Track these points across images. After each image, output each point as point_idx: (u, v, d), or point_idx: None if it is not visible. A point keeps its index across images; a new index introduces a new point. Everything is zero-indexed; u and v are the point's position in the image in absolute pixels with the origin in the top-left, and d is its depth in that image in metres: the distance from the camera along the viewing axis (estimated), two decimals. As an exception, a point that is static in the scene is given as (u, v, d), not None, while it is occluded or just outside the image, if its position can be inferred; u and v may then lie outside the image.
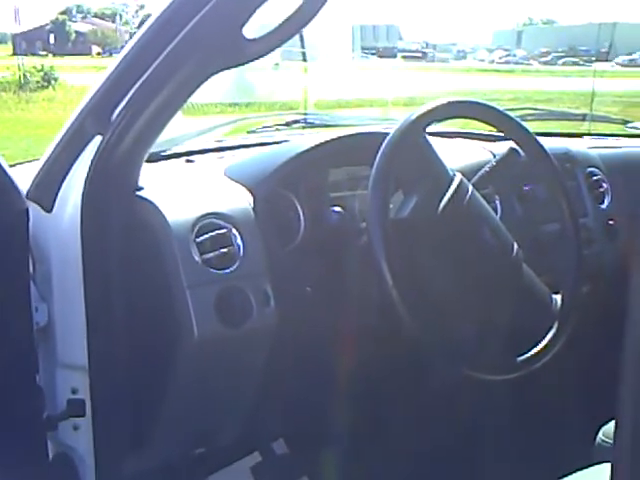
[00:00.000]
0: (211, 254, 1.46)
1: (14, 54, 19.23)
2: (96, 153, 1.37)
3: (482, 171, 1.62)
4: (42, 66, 15.63)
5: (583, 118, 2.63)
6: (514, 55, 24.50)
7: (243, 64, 1.32)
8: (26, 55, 17.92)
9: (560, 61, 22.27)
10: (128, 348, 1.48)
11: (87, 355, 1.45)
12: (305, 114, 2.38)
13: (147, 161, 1.47)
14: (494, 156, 1.87)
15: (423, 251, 1.49)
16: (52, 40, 25.85)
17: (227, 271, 1.47)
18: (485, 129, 1.87)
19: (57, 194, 1.42)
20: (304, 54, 2.90)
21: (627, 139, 2.57)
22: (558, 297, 1.59)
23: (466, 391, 1.67)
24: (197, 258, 1.45)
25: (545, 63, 23.21)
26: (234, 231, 1.50)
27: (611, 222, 2.14)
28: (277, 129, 2.12)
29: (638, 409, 0.72)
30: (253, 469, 1.85)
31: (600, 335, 1.68)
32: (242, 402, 1.62)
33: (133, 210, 1.47)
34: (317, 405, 1.78)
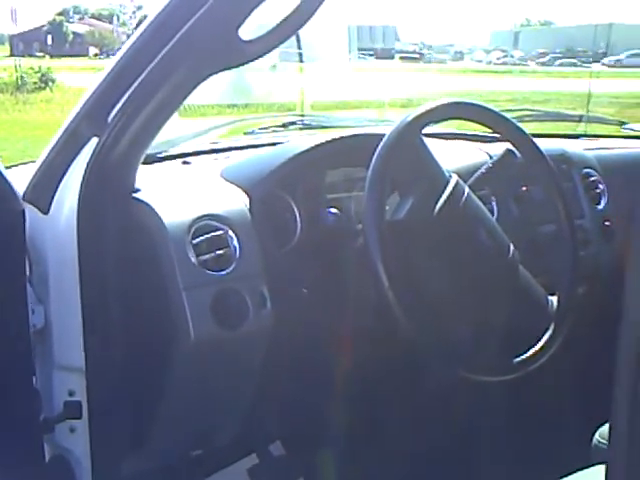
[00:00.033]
0: (207, 256, 1.46)
1: (11, 55, 19.26)
2: (92, 155, 1.37)
3: (478, 172, 1.62)
4: (39, 67, 15.64)
5: (579, 119, 2.63)
6: (511, 56, 24.53)
7: (239, 66, 1.32)
8: (23, 56, 17.93)
9: (557, 62, 22.32)
10: (125, 350, 1.48)
11: (84, 357, 1.45)
12: (302, 115, 2.38)
13: (143, 163, 1.47)
14: (490, 157, 1.87)
15: (419, 253, 1.49)
16: (49, 41, 25.84)
17: (223, 273, 1.47)
18: (481, 130, 1.87)
19: (54, 196, 1.42)
20: (300, 55, 2.90)
21: (623, 140, 2.57)
22: (554, 298, 1.59)
23: (462, 392, 1.67)
24: (193, 260, 1.45)
25: (542, 64, 23.26)
26: (230, 233, 1.50)
27: (607, 223, 2.14)
28: (274, 130, 2.12)
29: (632, 410, 0.72)
30: (250, 471, 1.85)
31: (596, 336, 1.68)
32: (239, 404, 1.62)
33: (129, 212, 1.47)
34: (314, 407, 1.78)
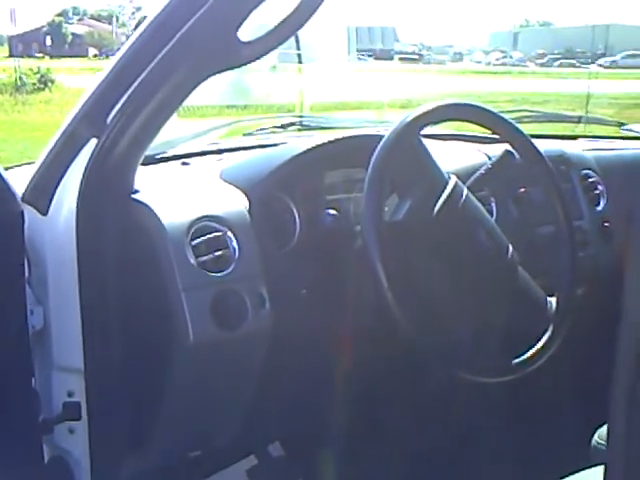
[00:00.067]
0: (206, 257, 1.46)
1: (10, 56, 19.23)
2: (91, 156, 1.37)
3: (477, 173, 1.62)
4: (38, 68, 15.64)
5: (578, 120, 2.63)
6: (510, 57, 24.55)
7: (238, 67, 1.32)
8: (22, 57, 17.93)
9: (556, 63, 22.33)
10: (124, 351, 1.48)
11: (83, 358, 1.45)
12: (301, 116, 2.38)
13: (142, 164, 1.47)
14: (489, 158, 1.87)
15: (418, 254, 1.49)
16: (48, 42, 25.84)
17: (222, 274, 1.47)
18: (480, 131, 1.87)
19: (52, 197, 1.42)
20: (299, 56, 2.90)
21: (622, 141, 2.57)
22: (553, 299, 1.59)
23: (462, 393, 1.68)
24: (192, 261, 1.45)
25: (541, 65, 23.27)
26: (229, 234, 1.50)
27: (606, 224, 2.14)
28: (273, 131, 2.12)
29: (630, 411, 0.72)
30: (249, 472, 1.85)
31: (595, 337, 1.68)
32: (238, 405, 1.62)
33: (128, 213, 1.47)
34: (313, 408, 1.78)
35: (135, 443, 1.56)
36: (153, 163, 1.76)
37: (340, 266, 1.61)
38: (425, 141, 1.56)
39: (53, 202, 1.42)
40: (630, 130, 2.62)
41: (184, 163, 1.81)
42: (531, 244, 1.87)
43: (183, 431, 1.60)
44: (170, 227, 1.45)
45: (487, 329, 1.54)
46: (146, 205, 1.47)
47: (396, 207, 1.50)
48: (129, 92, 1.32)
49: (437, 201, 1.49)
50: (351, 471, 1.87)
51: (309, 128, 2.18)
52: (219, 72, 1.31)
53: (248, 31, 1.27)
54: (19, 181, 1.42)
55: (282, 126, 2.14)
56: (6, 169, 1.48)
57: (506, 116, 1.70)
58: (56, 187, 1.42)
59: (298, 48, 2.72)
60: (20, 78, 15.04)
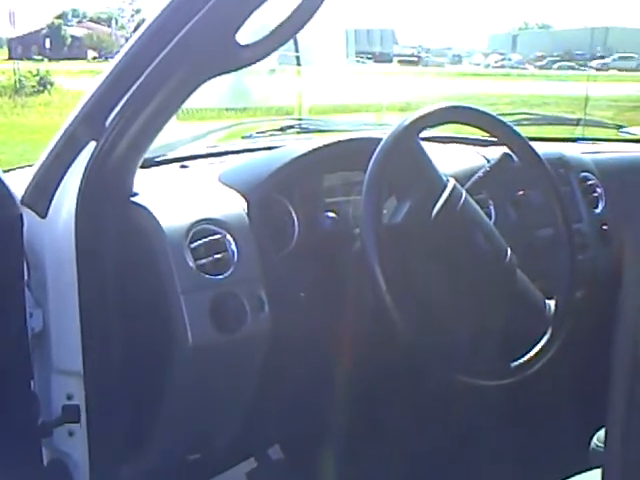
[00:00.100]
0: (205, 260, 1.46)
1: (9, 58, 19.25)
2: (90, 159, 1.37)
3: (476, 176, 1.62)
4: (38, 70, 15.63)
5: (577, 123, 2.64)
6: (509, 59, 24.56)
7: (236, 70, 1.32)
8: (22, 59, 17.93)
9: (555, 65, 22.34)
10: (123, 354, 1.48)
11: (82, 361, 1.45)
12: (300, 119, 2.38)
13: (141, 166, 1.47)
14: (488, 161, 1.87)
15: (417, 257, 1.50)
16: (48, 44, 25.85)
17: (221, 277, 1.47)
18: (479, 134, 1.88)
19: (51, 200, 1.42)
20: (298, 58, 2.91)
21: (621, 144, 2.57)
22: (552, 302, 1.60)
23: (460, 396, 1.67)
24: (191, 264, 1.45)
25: (540, 67, 23.27)
26: (228, 237, 1.50)
27: (605, 227, 2.14)
28: (272, 134, 2.12)
29: (628, 415, 0.72)
30: (249, 475, 1.85)
31: (594, 340, 1.68)
32: (237, 407, 1.62)
33: (127, 216, 1.47)
34: (312, 410, 1.78)
35: (134, 446, 1.56)
36: (152, 166, 1.76)
37: (339, 269, 1.61)
38: (423, 144, 1.56)
39: (52, 205, 1.43)
40: (628, 133, 2.63)
41: (183, 166, 1.82)
42: (530, 247, 1.87)
43: (182, 434, 1.60)
44: (169, 230, 1.45)
45: (486, 332, 1.55)
46: (145, 208, 1.47)
47: (395, 210, 1.50)
48: (128, 95, 1.32)
49: (435, 204, 1.49)
50: (351, 474, 1.87)
51: (308, 131, 2.18)
52: (218, 75, 1.31)
53: (247, 34, 1.27)
54: (18, 184, 1.42)
55: (281, 129, 2.14)
56: (5, 172, 1.48)
57: (505, 119, 1.70)
58: (55, 190, 1.42)
59: (296, 50, 2.73)
60: (19, 80, 15.04)
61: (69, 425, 1.49)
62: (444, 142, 2.10)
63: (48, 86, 15.03)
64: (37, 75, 15.32)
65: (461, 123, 1.65)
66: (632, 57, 20.43)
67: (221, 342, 1.46)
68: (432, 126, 1.63)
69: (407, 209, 1.49)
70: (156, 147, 1.62)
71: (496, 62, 24.02)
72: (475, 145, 2.08)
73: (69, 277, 1.43)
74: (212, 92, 1.68)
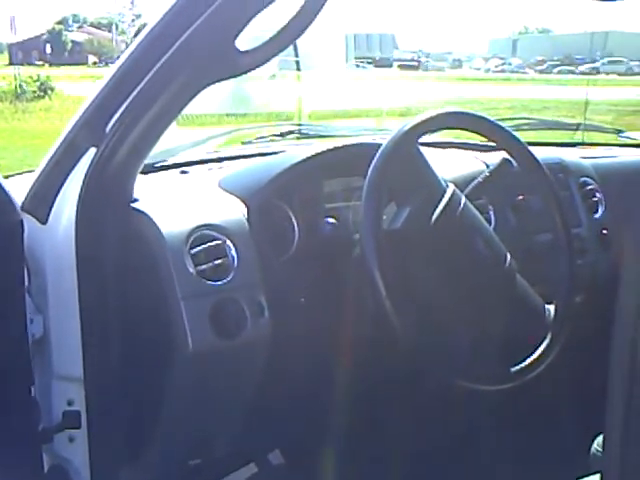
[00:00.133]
0: (205, 265, 1.47)
1: (10, 64, 19.29)
2: (91, 165, 1.38)
3: (475, 181, 1.63)
4: (38, 76, 15.67)
5: (577, 128, 2.64)
6: (510, 63, 24.62)
7: (236, 76, 1.32)
8: (22, 65, 17.98)
9: (555, 69, 22.38)
10: (123, 359, 1.48)
11: (83, 366, 1.46)
12: (300, 125, 2.39)
13: (142, 172, 1.47)
14: (487, 166, 1.87)
15: (416, 262, 1.50)
16: (48, 50, 25.91)
17: (221, 282, 1.47)
18: (478, 139, 1.88)
19: (52, 206, 1.42)
20: (298, 63, 2.91)
21: (620, 148, 2.57)
22: (551, 307, 1.60)
23: (460, 401, 1.67)
24: (191, 270, 1.45)
25: (541, 71, 23.32)
26: (228, 242, 1.50)
27: (604, 232, 2.14)
28: (272, 140, 2.12)
29: (626, 420, 0.72)
30: (249, 480, 1.85)
31: (594, 344, 1.68)
32: (237, 413, 1.62)
33: (128, 222, 1.47)
34: (312, 416, 1.78)
35: (135, 451, 1.56)
36: (152, 171, 1.76)
37: (339, 274, 1.62)
38: (423, 149, 1.56)
39: (52, 211, 1.43)
40: (628, 137, 2.63)
41: (183, 172, 1.82)
42: (529, 252, 1.87)
43: (183, 439, 1.61)
44: (169, 236, 1.45)
45: (485, 337, 1.55)
46: (145, 214, 1.47)
47: (394, 215, 1.50)
48: (128, 101, 1.32)
49: (435, 209, 1.50)
50: (351, 479, 1.87)
51: (308, 136, 2.18)
52: (217, 81, 1.32)
53: (247, 40, 1.28)
54: (19, 190, 1.42)
55: (281, 134, 2.14)
56: (6, 177, 1.48)
57: (504, 124, 1.70)
58: (55, 196, 1.42)
59: (296, 55, 2.73)
60: (20, 86, 15.07)
61: (70, 431, 1.49)
62: (444, 147, 2.10)
63: (49, 91, 15.07)
64: (38, 80, 15.36)
65: (460, 129, 1.65)
66: (621, 61, 20.46)
67: (221, 347, 1.46)
68: (431, 132, 1.64)
69: (407, 214, 1.49)
70: (156, 153, 1.63)
71: (496, 66, 24.07)
72: (474, 150, 2.08)
73: (69, 283, 1.43)
74: (212, 98, 1.68)
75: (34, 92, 14.94)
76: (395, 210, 1.51)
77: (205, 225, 1.50)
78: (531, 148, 1.64)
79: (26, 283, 1.44)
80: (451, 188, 1.54)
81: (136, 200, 1.49)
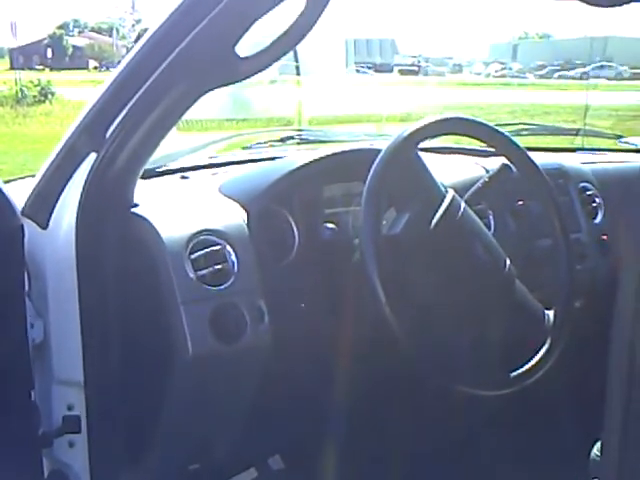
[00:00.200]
0: (205, 270, 1.47)
1: (11, 68, 19.32)
2: (91, 170, 1.38)
3: (475, 187, 1.63)
4: (39, 80, 15.67)
5: (576, 133, 2.64)
6: (510, 68, 24.62)
7: (236, 82, 1.33)
8: (23, 69, 17.98)
9: (556, 74, 22.39)
10: (123, 364, 1.48)
11: (83, 371, 1.46)
12: (299, 130, 2.39)
13: (142, 177, 1.47)
14: (487, 172, 1.87)
15: (416, 267, 1.50)
16: (49, 54, 25.95)
17: (221, 287, 1.48)
18: (478, 145, 1.88)
19: (52, 211, 1.43)
20: (298, 68, 2.92)
21: (620, 154, 2.58)
22: (551, 313, 1.60)
23: (460, 406, 1.68)
24: (191, 275, 1.45)
25: (541, 76, 23.32)
26: (228, 247, 1.51)
27: (604, 237, 2.14)
28: (271, 145, 2.12)
29: (624, 425, 0.72)
30: (249, 484, 1.85)
31: (593, 350, 1.68)
32: (237, 417, 1.62)
33: (128, 227, 1.47)
34: (313, 420, 1.78)
35: (135, 456, 1.56)
36: (152, 177, 1.76)
37: (338, 279, 1.62)
38: (422, 154, 1.57)
39: (53, 216, 1.43)
40: (627, 143, 2.63)
41: (183, 177, 1.82)
42: (529, 257, 1.87)
43: (183, 444, 1.61)
44: (169, 241, 1.46)
45: (485, 342, 1.55)
46: (145, 219, 1.47)
47: (394, 221, 1.51)
48: (128, 106, 1.33)
49: (435, 215, 1.50)
50: (351, 484, 1.87)
51: (308, 142, 2.18)
52: (218, 87, 1.32)
53: (246, 46, 1.28)
54: (19, 194, 1.43)
55: (281, 140, 2.15)
56: (7, 182, 1.48)
57: (504, 129, 1.71)
58: (56, 201, 1.43)
59: (296, 60, 2.74)
60: (21, 90, 15.08)
61: (70, 435, 1.49)
62: (443, 153, 2.10)
63: (49, 96, 15.07)
64: (38, 85, 15.36)
65: (459, 134, 1.66)
66: (610, 66, 20.48)
67: (221, 352, 1.46)
68: (431, 137, 1.64)
69: (406, 220, 1.49)
70: (156, 158, 1.63)
71: (497, 71, 24.06)
72: (474, 156, 2.09)
73: (70, 288, 1.43)
74: (212, 103, 1.69)
75: (35, 97, 14.95)
76: (395, 215, 1.51)
77: (205, 230, 1.50)
78: (530, 153, 1.64)
79: (26, 288, 1.44)
80: (450, 193, 1.55)
81: (136, 205, 1.49)
